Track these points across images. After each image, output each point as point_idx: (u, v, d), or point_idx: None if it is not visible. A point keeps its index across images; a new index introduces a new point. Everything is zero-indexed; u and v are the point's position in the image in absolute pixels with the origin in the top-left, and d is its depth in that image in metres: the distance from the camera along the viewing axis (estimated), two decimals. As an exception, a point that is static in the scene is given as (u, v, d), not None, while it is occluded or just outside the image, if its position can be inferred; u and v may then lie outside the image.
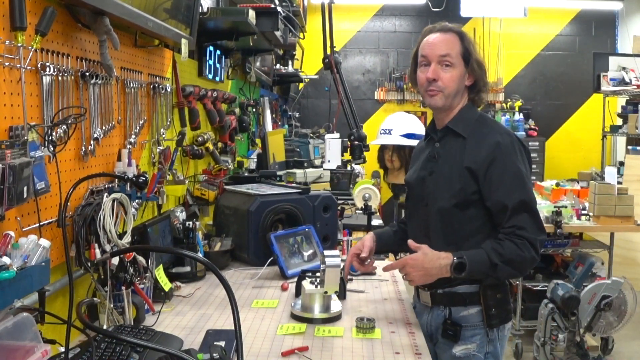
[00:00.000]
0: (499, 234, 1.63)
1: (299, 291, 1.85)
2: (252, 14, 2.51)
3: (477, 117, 1.75)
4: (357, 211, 3.18)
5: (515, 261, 1.59)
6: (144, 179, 1.79)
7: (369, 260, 1.85)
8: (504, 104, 7.07)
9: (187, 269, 2.08)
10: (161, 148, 2.17)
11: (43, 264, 1.24)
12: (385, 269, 1.70)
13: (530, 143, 6.74)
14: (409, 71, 1.84)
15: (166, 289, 1.82)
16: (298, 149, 4.39)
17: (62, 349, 1.19)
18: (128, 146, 1.87)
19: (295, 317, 1.72)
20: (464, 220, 1.66)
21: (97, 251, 1.51)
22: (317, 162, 4.37)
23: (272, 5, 3.04)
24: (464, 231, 1.67)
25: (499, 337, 1.70)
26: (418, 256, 1.61)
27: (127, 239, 1.62)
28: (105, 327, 1.47)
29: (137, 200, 1.82)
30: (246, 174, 3.05)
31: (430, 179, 1.75)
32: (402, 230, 1.94)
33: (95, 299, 1.49)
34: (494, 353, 1.70)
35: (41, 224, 1.35)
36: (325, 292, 1.70)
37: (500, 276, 1.63)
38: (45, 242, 1.25)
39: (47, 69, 1.38)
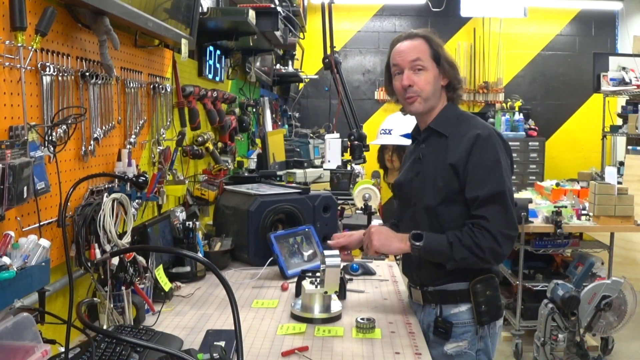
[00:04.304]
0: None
1: (299, 291, 1.85)
2: (252, 14, 2.51)
3: (458, 115, 1.78)
4: (357, 211, 3.18)
5: (471, 247, 1.60)
6: (144, 179, 1.79)
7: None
8: (504, 104, 7.07)
9: (187, 269, 2.08)
10: (161, 148, 2.17)
11: (43, 264, 1.24)
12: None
13: (530, 143, 6.75)
14: (384, 84, 1.87)
15: (166, 289, 1.82)
16: (298, 149, 4.38)
17: (62, 349, 1.19)
18: (128, 146, 1.87)
19: (295, 317, 1.72)
20: (450, 218, 1.67)
21: (97, 251, 1.51)
22: (317, 162, 4.37)
23: (272, 5, 3.04)
24: (451, 229, 1.67)
25: (489, 333, 1.72)
26: (385, 228, 1.81)
27: (127, 239, 1.61)
28: (105, 327, 1.47)
29: (137, 200, 1.82)
30: (246, 174, 3.05)
31: (417, 179, 1.78)
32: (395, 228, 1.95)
33: (95, 299, 1.49)
34: (485, 350, 1.72)
35: (41, 224, 1.35)
36: (325, 292, 1.70)
37: (458, 256, 1.62)
38: (45, 242, 1.25)
39: (47, 69, 1.38)
